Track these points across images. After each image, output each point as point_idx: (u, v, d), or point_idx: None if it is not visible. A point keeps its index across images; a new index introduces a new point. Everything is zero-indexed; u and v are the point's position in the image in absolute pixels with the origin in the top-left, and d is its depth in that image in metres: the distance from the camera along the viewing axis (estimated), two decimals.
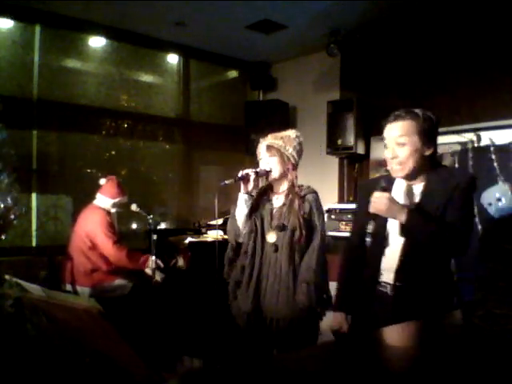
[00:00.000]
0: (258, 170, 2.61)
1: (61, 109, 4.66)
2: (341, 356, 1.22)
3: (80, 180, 4.52)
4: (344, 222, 4.30)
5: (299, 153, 2.61)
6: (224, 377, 1.04)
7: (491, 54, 3.94)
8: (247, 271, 2.58)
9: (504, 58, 3.85)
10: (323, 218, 2.57)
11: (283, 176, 2.58)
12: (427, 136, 2.02)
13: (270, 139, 2.61)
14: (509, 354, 1.18)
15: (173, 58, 5.54)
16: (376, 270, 2.10)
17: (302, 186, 2.60)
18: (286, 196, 2.57)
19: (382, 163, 4.86)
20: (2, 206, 2.97)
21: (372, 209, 2.00)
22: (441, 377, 1.08)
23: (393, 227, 2.07)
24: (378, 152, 4.93)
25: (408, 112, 2.03)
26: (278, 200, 2.61)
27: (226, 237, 4.37)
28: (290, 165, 2.56)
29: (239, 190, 2.61)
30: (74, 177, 4.69)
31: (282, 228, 2.49)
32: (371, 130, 4.84)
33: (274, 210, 2.58)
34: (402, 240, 2.04)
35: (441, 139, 2.19)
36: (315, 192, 2.59)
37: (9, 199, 3.01)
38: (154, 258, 3.69)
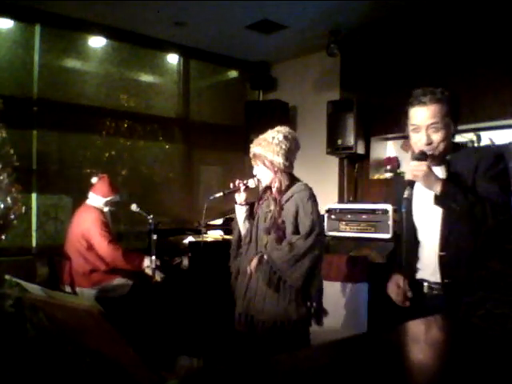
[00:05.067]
0: (247, 181, 2.63)
1: (61, 109, 4.67)
2: (339, 356, 1.22)
3: (80, 180, 4.51)
4: (344, 222, 4.28)
5: (285, 153, 2.48)
6: (224, 377, 1.04)
7: (491, 54, 3.94)
8: (242, 270, 2.61)
9: (504, 58, 3.85)
10: (314, 217, 2.44)
11: (274, 180, 2.54)
12: (455, 116, 1.99)
13: (253, 145, 2.57)
14: (509, 353, 1.18)
15: (173, 58, 5.54)
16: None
17: (294, 184, 2.53)
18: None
19: (382, 163, 4.91)
20: (2, 206, 2.97)
21: (410, 175, 1.91)
22: (440, 377, 1.08)
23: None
24: (377, 152, 4.93)
25: (434, 93, 1.96)
26: (271, 204, 2.60)
27: (226, 237, 4.41)
28: (274, 169, 2.51)
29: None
30: (74, 177, 4.68)
31: (268, 232, 2.51)
32: (371, 130, 4.84)
33: (269, 214, 2.57)
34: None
35: None
36: (306, 190, 2.50)
37: (9, 199, 3.01)
38: (153, 257, 3.69)
